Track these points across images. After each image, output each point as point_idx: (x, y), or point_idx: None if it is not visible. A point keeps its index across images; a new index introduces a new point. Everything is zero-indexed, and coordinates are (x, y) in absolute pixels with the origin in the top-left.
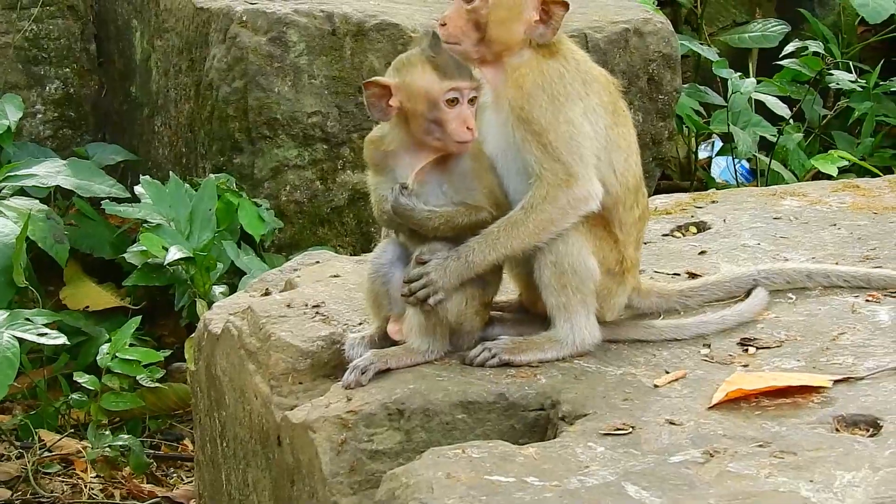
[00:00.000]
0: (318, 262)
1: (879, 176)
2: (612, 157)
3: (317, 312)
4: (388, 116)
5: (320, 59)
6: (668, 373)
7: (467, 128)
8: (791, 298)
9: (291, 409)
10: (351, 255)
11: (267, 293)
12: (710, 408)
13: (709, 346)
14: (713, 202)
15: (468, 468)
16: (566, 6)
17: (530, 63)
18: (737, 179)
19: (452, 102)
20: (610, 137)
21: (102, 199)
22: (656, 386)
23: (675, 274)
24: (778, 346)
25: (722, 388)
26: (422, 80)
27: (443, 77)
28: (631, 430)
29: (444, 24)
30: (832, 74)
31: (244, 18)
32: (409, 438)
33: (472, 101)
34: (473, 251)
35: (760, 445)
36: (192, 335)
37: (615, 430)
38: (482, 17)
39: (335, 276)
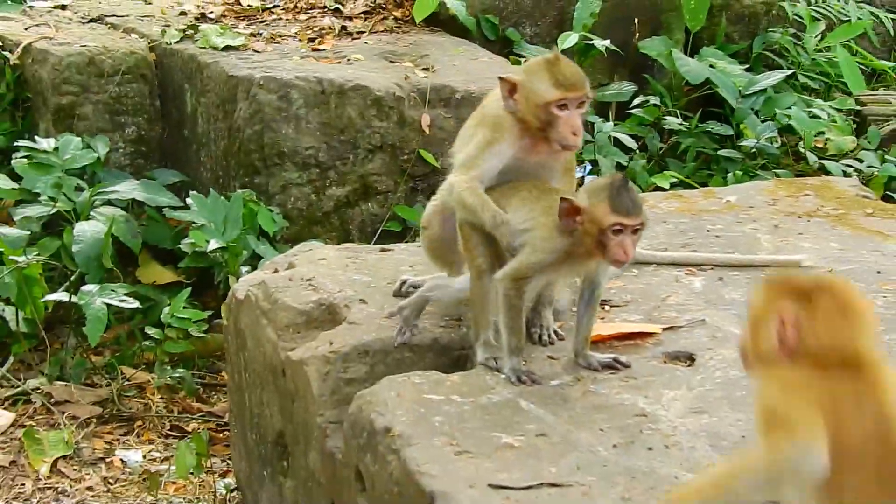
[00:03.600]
0: (311, 249)
1: (697, 188)
2: None
3: (309, 284)
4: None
5: (314, 110)
6: None
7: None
8: (634, 272)
9: (292, 350)
10: (335, 244)
11: (275, 271)
12: None
13: None
14: None
15: (412, 390)
16: None
17: None
18: None
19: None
20: None
21: (164, 207)
22: None
23: None
24: (625, 305)
25: None
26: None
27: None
28: (524, 363)
29: (576, 134)
30: (666, 119)
31: (261, 82)
32: (372, 370)
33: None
34: None
35: (612, 373)
36: (226, 301)
37: None
38: (584, 116)
39: (322, 259)
